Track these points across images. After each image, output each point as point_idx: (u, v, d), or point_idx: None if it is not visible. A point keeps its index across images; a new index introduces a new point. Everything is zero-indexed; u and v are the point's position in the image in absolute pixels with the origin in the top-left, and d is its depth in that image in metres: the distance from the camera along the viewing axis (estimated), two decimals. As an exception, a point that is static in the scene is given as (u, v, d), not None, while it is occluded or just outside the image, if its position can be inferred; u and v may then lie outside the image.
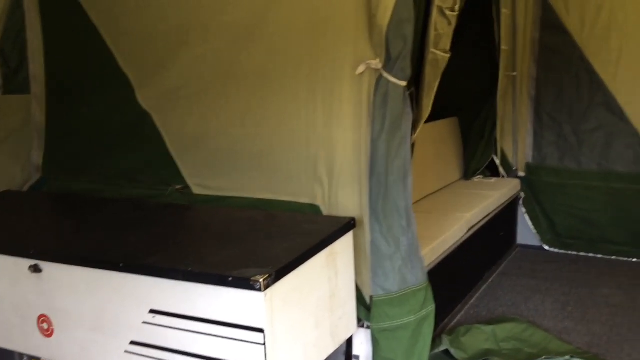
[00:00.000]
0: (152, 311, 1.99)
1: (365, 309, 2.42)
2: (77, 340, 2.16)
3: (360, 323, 2.43)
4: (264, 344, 1.84)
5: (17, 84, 3.10)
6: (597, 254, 4.31)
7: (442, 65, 3.33)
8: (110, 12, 2.85)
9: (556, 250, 4.45)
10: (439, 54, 3.24)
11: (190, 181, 2.73)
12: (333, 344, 2.24)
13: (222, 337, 1.90)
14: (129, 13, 2.80)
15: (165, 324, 1.98)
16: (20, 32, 3.08)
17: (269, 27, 2.45)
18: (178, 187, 2.74)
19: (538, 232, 4.50)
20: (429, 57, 3.17)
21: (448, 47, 3.32)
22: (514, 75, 4.44)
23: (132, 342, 2.05)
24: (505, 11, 4.23)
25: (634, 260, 4.18)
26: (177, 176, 2.74)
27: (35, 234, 2.43)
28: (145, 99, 2.81)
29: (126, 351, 2.07)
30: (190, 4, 2.65)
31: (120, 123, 2.89)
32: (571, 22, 4.20)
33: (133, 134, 2.85)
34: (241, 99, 2.55)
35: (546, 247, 4.48)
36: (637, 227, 4.13)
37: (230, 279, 1.84)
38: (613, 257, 4.26)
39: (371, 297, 2.39)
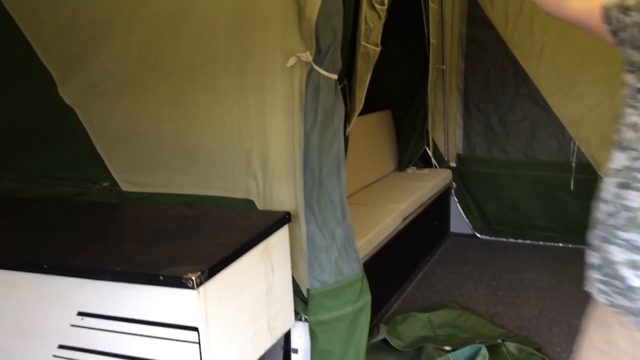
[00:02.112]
0: (80, 313, 1.91)
1: (303, 302, 2.41)
2: (2, 347, 2.05)
3: (297, 316, 2.43)
4: (199, 342, 1.81)
5: None
6: (525, 239, 4.48)
7: (374, 59, 3.36)
8: (29, 2, 2.71)
9: (487, 238, 4.59)
10: (370, 47, 3.27)
11: (118, 178, 2.64)
12: (271, 339, 2.22)
13: (155, 337, 1.85)
14: (49, 3, 2.67)
15: (95, 326, 1.91)
16: None
17: (196, 18, 2.39)
18: (105, 184, 2.65)
19: (470, 221, 4.63)
20: (360, 51, 3.19)
21: (379, 41, 3.36)
22: (443, 68, 4.54)
23: (61, 346, 1.97)
24: (433, 6, 4.31)
25: (560, 245, 4.36)
26: (105, 173, 2.64)
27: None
28: (68, 93, 2.69)
29: (54, 355, 1.98)
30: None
31: (42, 119, 2.75)
32: (496, 16, 4.33)
33: (56, 130, 2.73)
34: (169, 93, 2.48)
35: (477, 235, 4.62)
36: (561, 213, 4.31)
37: (162, 277, 1.78)
38: (540, 243, 4.43)
39: (308, 290, 2.38)
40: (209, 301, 1.82)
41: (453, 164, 4.64)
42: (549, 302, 3.47)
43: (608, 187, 1.38)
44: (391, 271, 3.55)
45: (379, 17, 3.46)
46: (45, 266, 1.91)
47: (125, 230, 2.31)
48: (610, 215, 1.36)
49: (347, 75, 3.03)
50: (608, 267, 1.38)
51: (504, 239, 4.54)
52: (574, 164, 4.21)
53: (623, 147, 1.35)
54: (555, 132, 4.26)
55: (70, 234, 2.23)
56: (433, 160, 4.67)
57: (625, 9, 1.38)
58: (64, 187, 2.72)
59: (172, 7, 2.43)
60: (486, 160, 4.50)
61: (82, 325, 1.91)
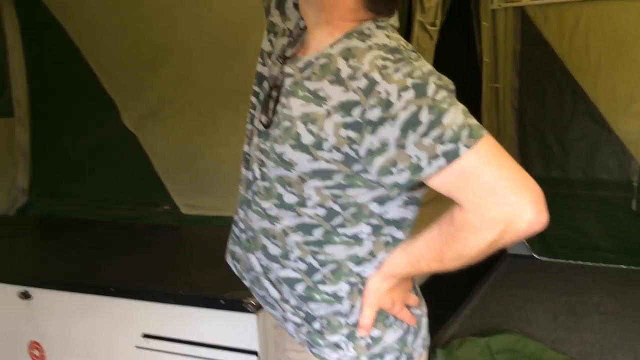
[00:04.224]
0: (145, 335, 1.96)
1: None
2: (71, 368, 2.12)
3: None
4: (259, 366, 1.82)
5: (1, 108, 3.07)
6: (586, 261, 4.34)
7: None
8: (92, 34, 2.84)
9: (545, 259, 4.47)
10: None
11: (178, 201, 2.72)
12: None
13: (216, 360, 1.88)
14: (111, 35, 2.79)
15: (159, 348, 1.95)
16: (2, 57, 3.05)
17: (253, 46, 2.44)
18: (166, 207, 2.73)
19: (527, 241, 4.52)
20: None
21: (431, 61, 3.35)
22: (496, 86, 4.49)
23: (126, 368, 2.02)
24: (485, 24, 4.28)
25: (622, 267, 4.21)
26: (165, 196, 2.73)
27: (23, 259, 2.39)
28: (129, 119, 2.80)
29: (120, 376, 2.04)
30: (171, 24, 2.65)
31: (106, 144, 2.87)
32: (550, 33, 4.26)
33: (119, 154, 2.84)
34: (226, 118, 2.55)
35: (535, 256, 4.50)
36: (623, 234, 4.16)
37: (222, 301, 1.81)
38: (602, 265, 4.28)
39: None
40: (268, 325, 1.84)
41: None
42: (613, 327, 3.35)
43: None
44: (447, 294, 3.49)
45: (431, 37, 3.47)
46: (112, 289, 1.98)
47: (186, 254, 2.37)
48: None
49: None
50: None
51: (563, 261, 4.41)
52: (635, 184, 4.07)
53: None
54: (616, 150, 4.14)
55: (134, 256, 2.30)
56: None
57: None
58: (126, 210, 2.81)
59: (229, 36, 2.50)
60: (544, 179, 4.32)
61: (147, 347, 1.96)
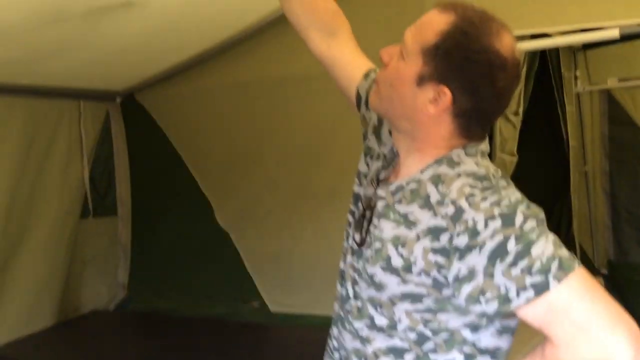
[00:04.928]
0: None
1: None
2: None
3: None
4: None
5: (105, 207, 3.30)
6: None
7: (511, 168, 3.33)
8: (190, 138, 3.06)
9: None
10: (506, 157, 3.26)
11: (267, 298, 2.79)
12: None
13: None
14: (207, 139, 3.00)
15: None
16: (109, 160, 3.32)
17: (338, 150, 2.56)
18: (255, 304, 2.80)
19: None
20: (496, 162, 3.19)
21: (515, 149, 3.34)
22: (585, 170, 4.38)
23: None
24: (570, 108, 4.24)
25: None
26: (254, 293, 2.81)
27: (121, 357, 2.50)
28: (223, 218, 2.95)
29: None
30: (263, 129, 2.82)
31: (201, 242, 3.02)
32: (639, 115, 4.15)
33: (213, 252, 2.97)
34: (313, 218, 2.63)
35: None
36: None
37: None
38: None
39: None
40: None
41: (604, 271, 4.35)
42: None
43: None
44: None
45: (514, 126, 3.47)
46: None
47: (277, 355, 2.40)
48: None
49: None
50: None
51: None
52: None
53: None
54: None
55: (226, 358, 2.36)
56: (581, 268, 4.41)
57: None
58: (217, 307, 2.91)
59: (317, 140, 2.62)
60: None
61: None
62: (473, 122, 1.17)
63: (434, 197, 1.13)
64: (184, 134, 3.07)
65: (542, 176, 4.28)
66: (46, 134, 2.88)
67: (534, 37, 2.24)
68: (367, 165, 1.36)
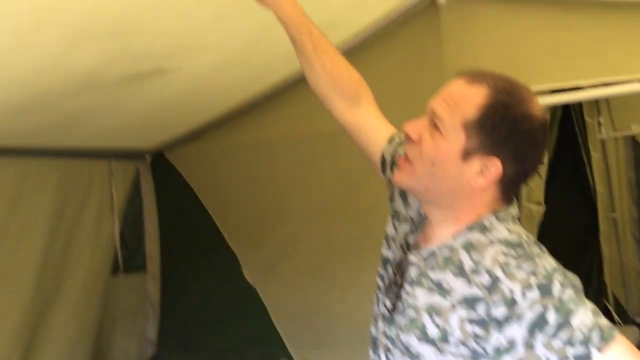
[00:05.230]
0: None
1: None
2: None
3: None
4: None
5: (135, 264, 3.35)
6: None
7: (538, 218, 3.32)
8: (218, 194, 3.11)
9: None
10: (533, 207, 3.26)
11: (295, 355, 2.78)
12: None
13: None
14: (234, 195, 3.05)
15: None
16: (139, 216, 3.38)
17: (363, 206, 2.58)
18: (284, 360, 2.79)
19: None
20: (523, 211, 3.18)
21: (541, 199, 3.33)
22: (614, 216, 4.32)
23: None
24: (595, 154, 4.22)
25: None
26: (283, 350, 2.80)
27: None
28: (250, 274, 2.97)
29: None
30: (288, 185, 2.86)
31: (228, 298, 3.03)
32: (666, 159, 4.13)
33: (241, 308, 2.98)
34: (341, 275, 2.64)
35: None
36: None
37: None
38: None
39: None
40: None
41: (639, 320, 4.24)
42: None
43: None
44: None
45: (540, 176, 3.47)
46: None
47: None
48: None
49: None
50: None
51: None
52: None
53: None
54: None
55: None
56: (615, 317, 4.31)
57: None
58: (247, 363, 2.91)
59: (342, 196, 2.65)
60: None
61: None
62: (514, 186, 1.19)
63: (468, 265, 1.13)
64: (212, 190, 3.13)
65: (570, 224, 4.24)
66: (78, 193, 2.95)
67: (555, 91, 2.28)
68: (395, 228, 1.37)
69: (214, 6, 1.90)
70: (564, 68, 2.09)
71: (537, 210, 3.33)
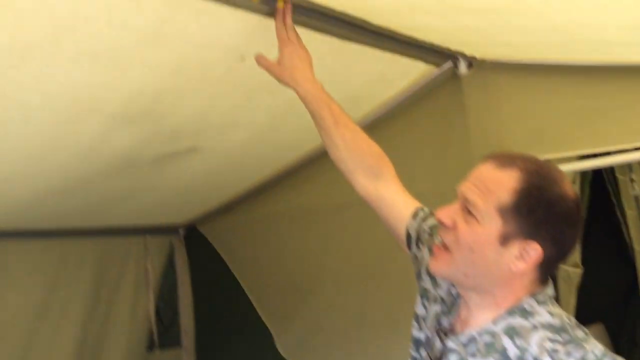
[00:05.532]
0: None
1: None
2: None
3: None
4: None
5: (170, 339, 3.35)
6: None
7: (576, 281, 3.25)
8: (250, 267, 3.13)
9: None
10: (570, 270, 3.20)
11: None
12: None
13: None
14: (267, 265, 3.06)
15: None
16: (173, 291, 3.41)
17: (396, 274, 2.56)
18: None
19: None
20: (560, 275, 3.12)
21: (578, 260, 3.27)
22: (654, 274, 4.20)
23: None
24: (630, 212, 4.14)
25: None
26: None
27: None
28: (283, 346, 2.94)
29: None
30: (321, 254, 2.86)
31: (263, 372, 3.00)
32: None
33: (275, 381, 2.94)
34: (374, 345, 2.60)
35: None
36: None
37: None
38: None
39: None
40: None
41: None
42: None
43: None
44: None
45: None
46: None
47: None
48: None
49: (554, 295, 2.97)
50: None
51: None
52: None
53: None
54: None
55: None
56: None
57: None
58: None
59: (374, 263, 2.64)
60: None
61: None
62: (552, 268, 1.19)
63: (512, 351, 1.11)
64: (243, 261, 3.15)
65: (609, 283, 4.13)
66: (115, 270, 3.02)
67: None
68: (425, 307, 1.36)
69: (242, 88, 1.99)
70: (591, 134, 2.07)
71: (575, 272, 3.26)
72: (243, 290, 3.11)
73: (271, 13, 1.58)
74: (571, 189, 1.17)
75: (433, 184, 2.29)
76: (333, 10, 1.69)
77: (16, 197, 2.22)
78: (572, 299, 3.18)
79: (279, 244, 3.02)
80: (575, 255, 3.40)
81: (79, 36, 1.43)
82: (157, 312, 3.30)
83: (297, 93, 1.54)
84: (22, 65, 1.45)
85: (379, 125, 2.43)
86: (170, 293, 3.41)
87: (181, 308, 3.39)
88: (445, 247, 1.19)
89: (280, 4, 1.54)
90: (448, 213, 1.18)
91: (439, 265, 1.21)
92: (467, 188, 1.17)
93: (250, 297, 3.08)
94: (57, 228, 2.66)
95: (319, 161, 2.78)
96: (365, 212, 2.49)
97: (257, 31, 1.64)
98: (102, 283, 2.91)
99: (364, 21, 1.80)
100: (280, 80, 1.57)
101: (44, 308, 2.67)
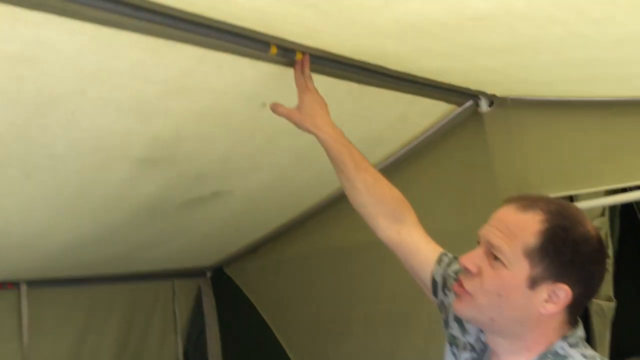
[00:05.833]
0: None
1: None
2: None
3: None
4: None
5: (201, 381, 3.34)
6: None
7: (609, 314, 3.17)
8: (278, 308, 3.12)
9: None
10: (603, 303, 3.12)
11: None
12: None
13: None
14: (294, 306, 3.05)
15: None
16: (201, 333, 3.40)
17: (426, 315, 2.53)
18: None
19: None
20: (594, 308, 3.05)
21: (611, 293, 3.20)
22: (694, 306, 4.07)
23: None
24: (662, 239, 4.05)
25: None
26: None
27: None
28: (313, 389, 2.90)
29: None
30: (350, 293, 2.84)
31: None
32: None
33: None
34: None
35: None
36: None
37: None
38: None
39: None
40: None
41: None
42: None
43: None
44: None
45: (607, 270, 3.34)
46: None
47: None
48: None
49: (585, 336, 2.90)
50: None
51: None
52: None
53: None
54: None
55: None
56: None
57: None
58: None
59: (403, 304, 2.61)
60: None
61: None
62: (581, 308, 1.17)
63: None
64: (271, 303, 3.14)
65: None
66: (143, 314, 3.04)
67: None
68: (455, 356, 1.33)
69: (263, 132, 2.01)
70: (616, 169, 2.05)
71: (608, 305, 3.18)
72: (272, 331, 3.09)
73: (289, 63, 1.61)
74: (593, 228, 1.15)
75: (458, 221, 2.28)
76: (351, 59, 1.72)
77: (48, 249, 2.27)
78: (607, 333, 3.10)
79: (305, 284, 3.01)
80: (608, 289, 3.32)
81: (104, 87, 1.47)
82: (186, 356, 3.29)
83: (318, 138, 1.56)
84: (49, 113, 1.49)
85: (403, 165, 2.44)
86: (198, 336, 3.40)
87: (209, 350, 3.38)
88: (467, 292, 1.17)
89: (298, 56, 1.57)
90: (472, 259, 1.16)
91: (464, 308, 1.19)
92: (491, 233, 1.15)
93: (279, 339, 3.07)
94: (86, 275, 2.70)
95: (342, 201, 2.78)
96: (391, 251, 2.48)
97: (277, 79, 1.67)
98: (130, 328, 2.93)
99: (382, 67, 1.82)
100: (300, 126, 1.59)
101: (75, 355, 2.69)
